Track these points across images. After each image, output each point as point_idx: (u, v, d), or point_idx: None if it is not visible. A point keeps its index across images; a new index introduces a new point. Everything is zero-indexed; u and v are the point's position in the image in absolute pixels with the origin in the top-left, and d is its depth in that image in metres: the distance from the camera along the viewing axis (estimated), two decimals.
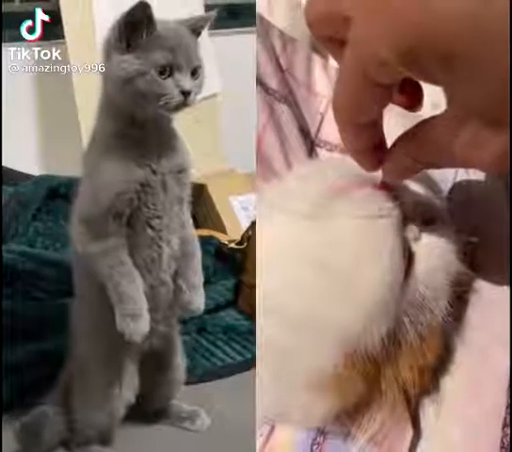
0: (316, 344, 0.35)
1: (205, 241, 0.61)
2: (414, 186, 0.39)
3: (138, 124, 0.48)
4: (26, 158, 1.15)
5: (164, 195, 0.49)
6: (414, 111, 0.33)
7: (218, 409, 0.63)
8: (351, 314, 0.34)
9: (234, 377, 0.70)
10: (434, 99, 0.34)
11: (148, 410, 0.62)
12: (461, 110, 0.26)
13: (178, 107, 0.47)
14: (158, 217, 0.50)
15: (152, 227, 0.50)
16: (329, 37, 0.30)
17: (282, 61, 0.55)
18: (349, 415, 0.40)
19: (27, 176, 0.98)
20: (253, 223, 0.84)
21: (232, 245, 0.86)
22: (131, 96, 0.46)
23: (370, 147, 0.32)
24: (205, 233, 0.84)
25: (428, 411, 0.43)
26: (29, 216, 0.88)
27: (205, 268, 0.56)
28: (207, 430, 0.61)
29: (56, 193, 0.91)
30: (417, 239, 0.38)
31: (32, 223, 0.88)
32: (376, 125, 0.31)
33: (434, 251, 0.38)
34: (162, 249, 0.51)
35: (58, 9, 1.06)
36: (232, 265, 0.85)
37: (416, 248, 0.38)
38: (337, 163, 0.38)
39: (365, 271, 0.34)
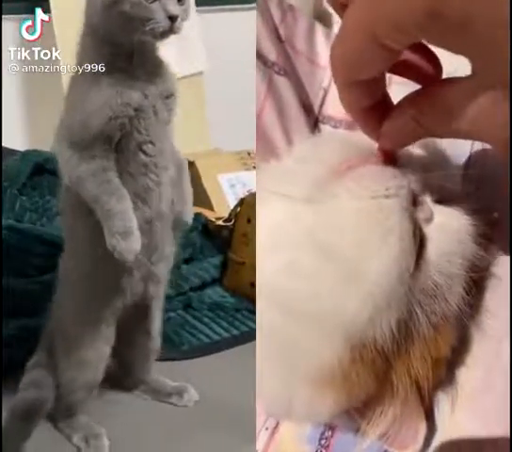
0: (319, 336, 0.33)
1: (192, 218, 0.55)
2: (425, 162, 0.36)
3: (125, 52, 0.47)
4: (12, 133, 1.13)
5: (155, 119, 0.48)
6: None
7: (205, 385, 0.60)
8: (356, 304, 0.31)
9: (221, 353, 0.67)
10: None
11: (129, 380, 0.60)
12: (482, 78, 0.25)
13: (164, 34, 0.45)
14: (151, 143, 0.48)
15: (144, 152, 0.48)
16: (343, 4, 0.28)
17: (282, 31, 0.51)
18: (358, 410, 0.38)
19: (13, 151, 0.96)
20: (241, 200, 0.83)
21: (220, 222, 0.85)
22: (115, 21, 0.45)
23: (370, 106, 0.30)
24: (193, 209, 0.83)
25: (443, 404, 0.41)
26: (15, 191, 0.87)
27: (192, 245, 0.56)
28: (193, 406, 0.59)
29: (43, 168, 0.89)
30: (429, 220, 0.35)
31: (18, 198, 0.86)
32: (378, 83, 0.29)
33: (448, 234, 0.35)
34: (159, 176, 0.49)
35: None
36: (219, 242, 0.83)
37: (428, 230, 0.35)
38: (338, 139, 0.35)
39: (371, 257, 0.31)
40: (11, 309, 0.62)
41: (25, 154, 0.93)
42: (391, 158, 0.33)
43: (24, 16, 1.15)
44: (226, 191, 1.02)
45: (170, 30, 0.45)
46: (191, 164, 1.00)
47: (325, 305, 0.31)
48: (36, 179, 0.89)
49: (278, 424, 0.45)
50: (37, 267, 0.69)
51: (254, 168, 0.98)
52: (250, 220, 0.77)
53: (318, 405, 0.34)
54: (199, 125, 1.20)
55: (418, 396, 0.37)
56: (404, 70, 0.29)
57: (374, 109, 0.30)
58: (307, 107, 0.50)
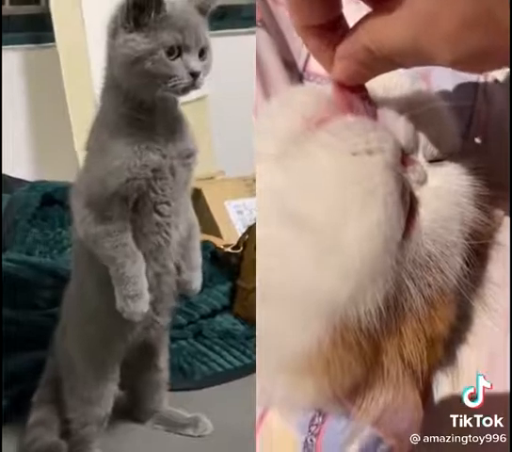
0: (295, 317, 0.29)
1: (201, 246, 0.58)
2: (417, 115, 0.31)
3: (146, 108, 0.47)
4: (21, 164, 1.18)
5: (172, 180, 0.49)
6: None
7: (218, 414, 0.62)
8: (335, 280, 0.27)
9: (233, 382, 0.68)
10: None
11: (141, 412, 0.61)
12: None
13: (186, 89, 0.46)
14: (166, 203, 0.50)
15: (159, 213, 0.50)
16: None
17: None
18: (348, 396, 0.34)
19: (22, 182, 1.00)
20: (250, 228, 0.85)
21: (228, 249, 0.86)
22: (138, 77, 0.45)
23: (322, 26, 0.28)
24: (201, 237, 0.85)
25: (442, 386, 0.37)
26: (26, 223, 0.89)
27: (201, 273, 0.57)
28: (208, 436, 0.61)
29: (52, 199, 0.92)
30: (421, 182, 0.31)
31: (30, 230, 0.89)
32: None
33: (444, 197, 0.31)
34: (170, 235, 0.51)
35: (48, 12, 1.08)
36: (228, 269, 0.85)
37: (420, 192, 0.31)
38: (312, 93, 0.30)
39: (351, 224, 0.27)
40: (24, 341, 0.65)
41: (34, 185, 0.95)
42: (347, 95, 0.29)
43: (30, 46, 1.16)
44: (233, 218, 1.04)
45: (192, 86, 0.45)
46: (198, 191, 1.02)
47: (299, 281, 0.28)
48: (46, 210, 0.90)
49: (266, 410, 0.42)
50: (47, 300, 0.71)
51: None
52: None
53: (297, 394, 0.31)
54: (203, 149, 1.24)
55: (412, 380, 0.34)
56: None
57: (326, 30, 0.28)
58: (289, 63, 0.46)
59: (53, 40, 1.08)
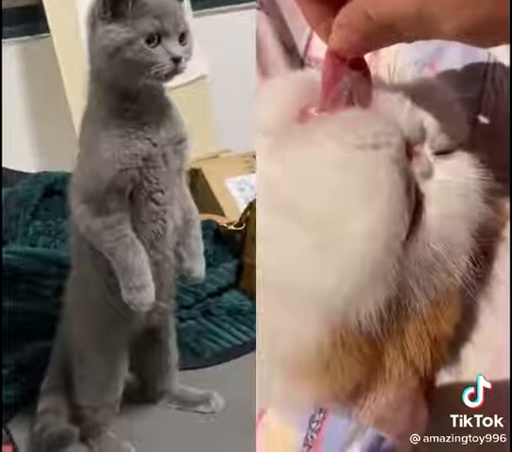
0: (294, 319, 0.27)
1: (204, 225, 0.59)
2: (422, 105, 0.29)
3: (132, 97, 0.48)
4: (21, 156, 1.18)
5: (165, 168, 0.49)
6: None
7: (229, 390, 0.62)
8: (333, 280, 0.25)
9: (242, 358, 0.69)
10: None
11: (152, 393, 0.62)
12: None
13: (169, 75, 0.46)
14: (161, 191, 0.50)
15: (154, 201, 0.50)
16: None
17: None
18: (350, 397, 0.33)
19: (23, 174, 1.01)
20: (250, 204, 0.86)
21: (231, 227, 0.86)
22: (120, 67, 0.46)
23: None
24: (203, 216, 0.84)
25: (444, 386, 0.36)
26: (28, 215, 0.91)
27: (205, 252, 0.56)
28: (220, 412, 0.61)
29: (53, 190, 0.93)
30: (428, 176, 0.30)
31: (32, 222, 0.90)
32: None
33: (451, 191, 0.30)
34: (166, 223, 0.51)
35: (41, 4, 1.08)
36: (233, 246, 0.85)
37: (426, 187, 0.29)
38: (313, 79, 0.28)
39: (352, 221, 0.25)
40: (35, 331, 0.65)
41: (36, 177, 0.96)
42: (339, 67, 0.27)
43: (25, 38, 1.15)
44: (235, 195, 1.04)
45: (175, 71, 0.46)
46: (197, 171, 1.03)
47: (296, 279, 0.26)
48: (47, 201, 0.91)
49: (264, 407, 0.42)
50: (53, 289, 0.71)
51: None
52: None
53: (296, 397, 0.30)
54: (204, 129, 1.24)
55: (416, 380, 0.33)
56: None
57: None
58: (289, 48, 0.44)
59: (48, 30, 1.08)
